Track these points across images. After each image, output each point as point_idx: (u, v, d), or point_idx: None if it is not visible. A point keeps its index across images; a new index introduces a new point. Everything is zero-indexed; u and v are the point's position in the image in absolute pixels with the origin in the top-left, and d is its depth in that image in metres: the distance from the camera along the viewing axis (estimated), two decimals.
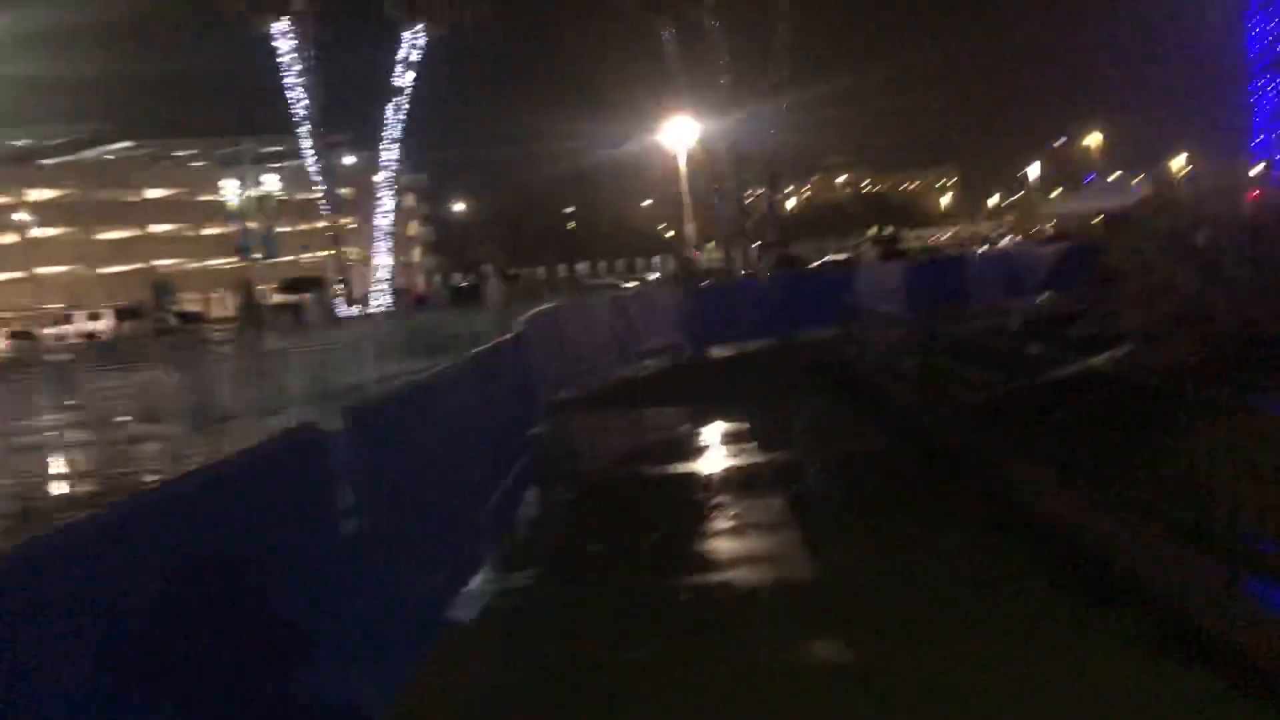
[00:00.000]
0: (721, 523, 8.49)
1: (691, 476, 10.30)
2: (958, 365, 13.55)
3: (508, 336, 9.92)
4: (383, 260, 37.94)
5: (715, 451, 11.38)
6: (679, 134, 58.02)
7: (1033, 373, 12.36)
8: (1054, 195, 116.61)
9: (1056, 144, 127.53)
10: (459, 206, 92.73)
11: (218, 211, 69.70)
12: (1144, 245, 10.85)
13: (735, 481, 9.92)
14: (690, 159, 60.36)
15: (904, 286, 24.99)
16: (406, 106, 36.27)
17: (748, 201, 51.60)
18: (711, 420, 13.20)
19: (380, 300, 35.27)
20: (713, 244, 75.52)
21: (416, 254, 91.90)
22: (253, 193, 33.92)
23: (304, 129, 35.75)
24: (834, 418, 12.99)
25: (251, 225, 34.31)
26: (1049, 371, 12.22)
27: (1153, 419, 8.85)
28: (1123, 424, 8.76)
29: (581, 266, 76.24)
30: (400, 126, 36.66)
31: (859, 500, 8.81)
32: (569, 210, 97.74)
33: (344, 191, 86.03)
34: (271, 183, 38.38)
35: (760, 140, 49.48)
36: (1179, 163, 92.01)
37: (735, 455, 11.04)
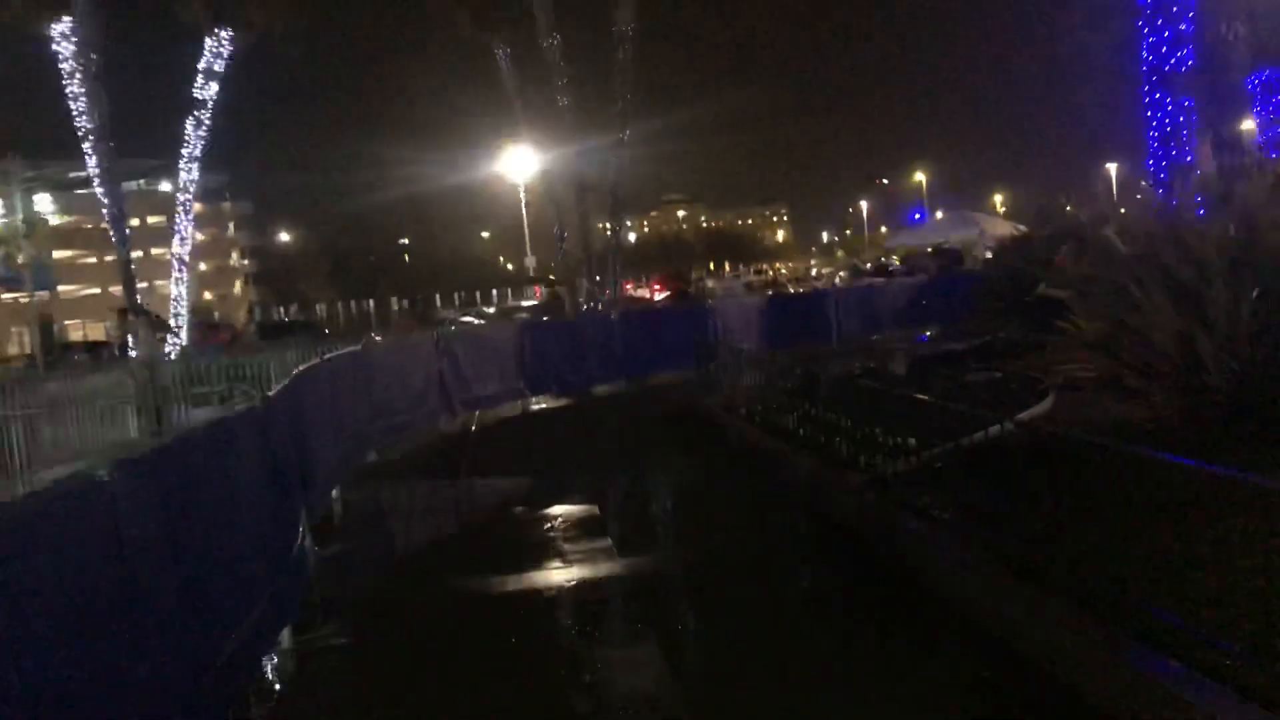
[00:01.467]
0: (575, 699, 5.32)
1: (526, 600, 7.07)
2: (852, 419, 10.87)
3: (241, 412, 6.50)
4: (180, 294, 33.03)
5: (558, 553, 8.16)
6: (519, 164, 55.07)
7: (953, 431, 9.78)
8: (883, 230, 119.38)
9: (879, 183, 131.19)
10: (284, 236, 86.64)
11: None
12: (1111, 273, 8.33)
13: (588, 610, 6.76)
14: (530, 190, 57.50)
15: (762, 322, 22.54)
16: (209, 122, 31.82)
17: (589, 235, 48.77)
18: (553, 499, 9.99)
19: (175, 340, 30.51)
20: (552, 278, 72.51)
21: (238, 287, 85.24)
22: (17, 216, 28.67)
23: (91, 146, 30.81)
24: (708, 494, 10.01)
25: (18, 254, 29.05)
26: (972, 430, 9.66)
27: (1155, 505, 6.31)
28: (1127, 516, 6.16)
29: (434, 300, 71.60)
30: (201, 145, 32.16)
31: (774, 654, 5.78)
32: (404, 241, 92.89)
33: (153, 220, 79.30)
34: (44, 204, 32.51)
35: (602, 172, 46.92)
36: (998, 199, 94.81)
37: (585, 560, 7.87)
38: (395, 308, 62.45)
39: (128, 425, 15.98)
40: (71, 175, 73.49)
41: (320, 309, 65.83)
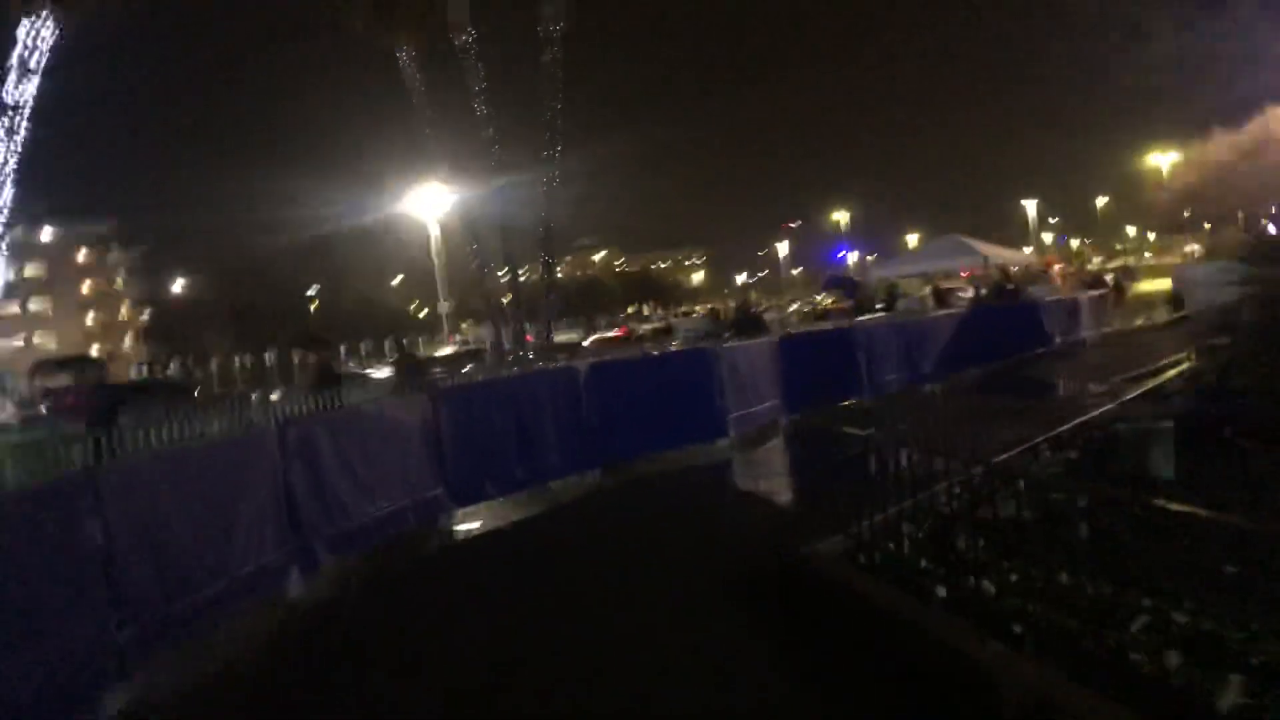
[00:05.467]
0: None
1: None
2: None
3: None
4: None
5: None
6: (429, 203, 47.70)
7: None
8: (794, 272, 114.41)
9: (788, 226, 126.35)
10: (179, 286, 76.52)
11: None
12: None
13: None
14: (444, 231, 50.27)
15: (775, 372, 15.25)
16: (25, 131, 23.49)
17: (506, 277, 40.97)
18: None
19: None
20: (467, 324, 64.73)
21: (128, 341, 74.70)
22: None
23: None
24: None
25: None
26: None
27: None
28: None
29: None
30: (15, 158, 23.76)
31: None
32: (310, 292, 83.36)
33: (31, 271, 69.08)
34: None
35: (524, 206, 39.48)
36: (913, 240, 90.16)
37: None
38: (296, 360, 53.50)
39: None
40: None
41: (214, 364, 56.40)
